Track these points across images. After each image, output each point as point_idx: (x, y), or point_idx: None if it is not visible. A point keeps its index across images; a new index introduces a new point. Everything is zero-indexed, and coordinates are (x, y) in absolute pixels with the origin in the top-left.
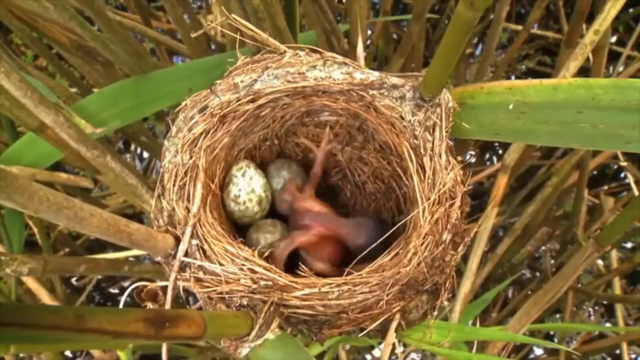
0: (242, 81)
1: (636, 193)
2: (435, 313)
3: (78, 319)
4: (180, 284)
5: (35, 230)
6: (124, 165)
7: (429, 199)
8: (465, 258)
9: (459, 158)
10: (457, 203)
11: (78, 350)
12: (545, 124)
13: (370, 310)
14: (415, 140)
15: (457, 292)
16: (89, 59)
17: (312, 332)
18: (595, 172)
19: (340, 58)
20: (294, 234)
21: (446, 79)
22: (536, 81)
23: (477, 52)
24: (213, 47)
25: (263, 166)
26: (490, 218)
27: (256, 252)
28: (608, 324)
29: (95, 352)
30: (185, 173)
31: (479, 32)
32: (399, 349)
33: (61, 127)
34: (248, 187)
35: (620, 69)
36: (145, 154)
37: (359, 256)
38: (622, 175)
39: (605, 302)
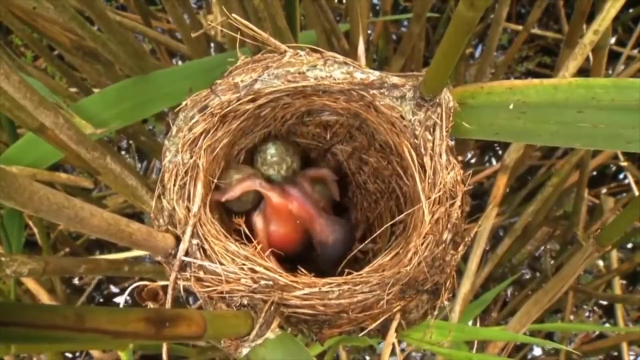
0: (242, 81)
1: (636, 193)
2: (436, 313)
3: (78, 319)
4: (181, 283)
5: (35, 230)
6: (124, 166)
7: (429, 198)
8: (465, 258)
9: (460, 158)
10: (458, 203)
11: (78, 350)
12: (545, 123)
13: (370, 310)
14: (415, 140)
15: (457, 292)
16: (89, 59)
17: (313, 332)
18: (595, 172)
19: (340, 57)
20: (269, 185)
21: (447, 79)
22: (536, 81)
23: (477, 55)
24: (213, 47)
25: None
26: (490, 218)
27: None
28: (606, 325)
29: (95, 353)
30: (186, 172)
31: (479, 32)
32: (399, 349)
33: (61, 129)
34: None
35: (621, 69)
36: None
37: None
38: (622, 175)
39: (603, 303)
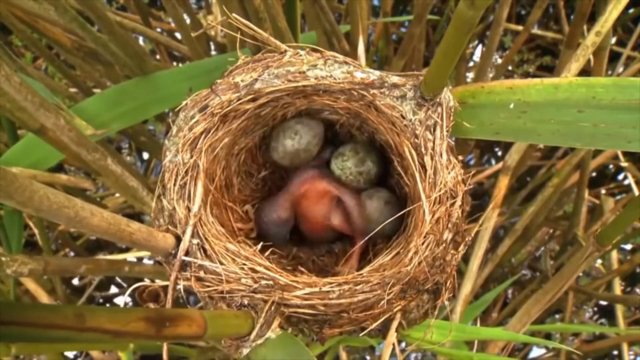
0: (242, 80)
1: (636, 193)
2: (436, 312)
3: (78, 318)
4: (181, 283)
5: (36, 230)
6: (124, 167)
7: (429, 197)
8: (466, 259)
9: (460, 157)
10: (458, 202)
11: (78, 350)
12: (546, 123)
13: (371, 310)
14: (416, 140)
15: (458, 292)
16: (89, 60)
17: (313, 332)
18: (595, 173)
19: (340, 57)
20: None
21: (447, 78)
22: (537, 80)
23: (476, 57)
24: (213, 47)
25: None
26: (491, 219)
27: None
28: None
29: (95, 353)
30: (186, 172)
31: (479, 33)
32: (399, 349)
33: (62, 130)
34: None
35: (620, 69)
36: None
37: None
38: (622, 176)
39: (601, 304)
